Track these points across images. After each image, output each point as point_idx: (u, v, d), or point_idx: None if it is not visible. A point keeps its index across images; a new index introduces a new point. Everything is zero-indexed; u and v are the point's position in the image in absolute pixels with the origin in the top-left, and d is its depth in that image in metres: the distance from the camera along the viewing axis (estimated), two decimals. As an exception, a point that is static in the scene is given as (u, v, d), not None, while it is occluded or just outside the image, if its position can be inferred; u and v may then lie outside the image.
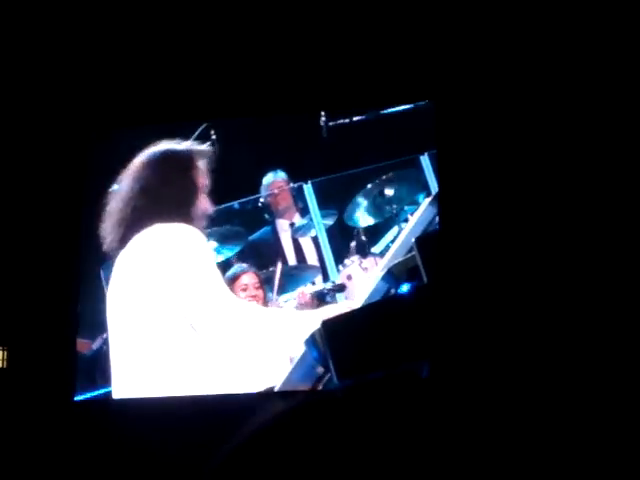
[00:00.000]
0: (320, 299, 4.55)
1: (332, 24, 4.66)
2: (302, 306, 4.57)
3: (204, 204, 4.26)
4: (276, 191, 4.71)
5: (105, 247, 4.37)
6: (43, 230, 5.03)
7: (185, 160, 4.27)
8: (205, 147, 4.40)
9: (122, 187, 4.34)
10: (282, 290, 4.54)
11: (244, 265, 4.56)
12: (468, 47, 4.50)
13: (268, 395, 4.19)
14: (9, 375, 5.06)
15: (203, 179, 4.27)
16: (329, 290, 4.57)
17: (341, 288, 4.56)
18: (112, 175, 4.46)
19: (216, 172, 4.46)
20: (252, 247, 4.66)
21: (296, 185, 4.67)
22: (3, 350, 5.12)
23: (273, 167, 4.69)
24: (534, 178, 4.33)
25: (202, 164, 4.28)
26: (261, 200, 4.68)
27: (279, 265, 4.58)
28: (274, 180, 4.72)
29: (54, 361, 4.90)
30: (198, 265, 4.20)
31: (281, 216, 4.76)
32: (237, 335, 4.19)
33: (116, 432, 4.56)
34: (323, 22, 4.67)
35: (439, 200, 4.39)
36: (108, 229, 4.35)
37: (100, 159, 4.75)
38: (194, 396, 4.22)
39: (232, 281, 4.44)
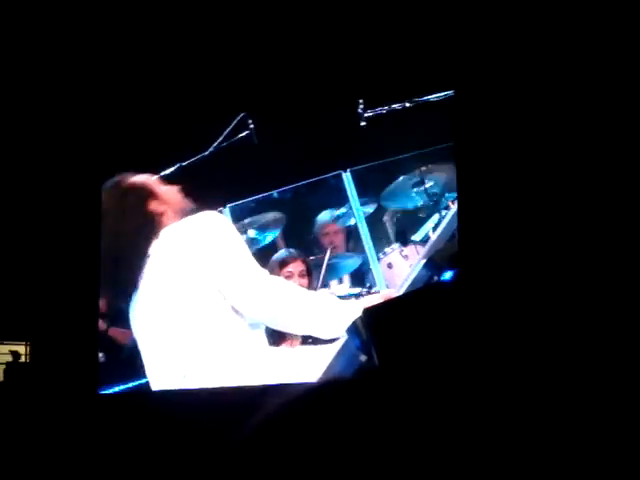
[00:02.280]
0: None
1: (368, 17, 4.67)
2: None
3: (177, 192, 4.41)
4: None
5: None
6: (64, 228, 5.07)
7: (140, 190, 4.38)
8: (160, 174, 4.51)
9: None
10: (325, 279, 4.52)
11: (293, 251, 4.52)
12: (492, 41, 4.48)
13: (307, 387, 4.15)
14: (32, 370, 5.10)
15: (168, 202, 4.35)
16: (363, 296, 4.54)
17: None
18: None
19: (254, 161, 4.46)
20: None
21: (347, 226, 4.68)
22: (26, 345, 5.16)
23: (312, 156, 4.66)
24: (558, 162, 4.30)
25: (163, 189, 4.40)
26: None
27: (328, 252, 4.55)
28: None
29: (77, 355, 4.93)
30: (227, 246, 4.27)
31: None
32: (274, 312, 4.22)
33: (139, 425, 4.58)
34: (361, 16, 4.67)
35: (458, 187, 4.37)
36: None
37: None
38: (227, 387, 4.27)
39: (279, 265, 4.40)
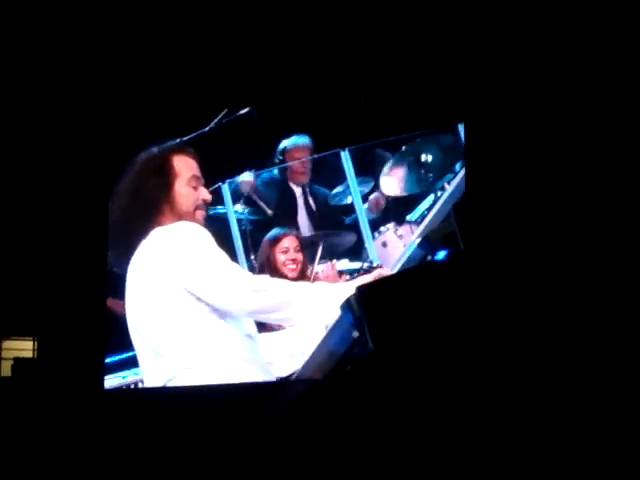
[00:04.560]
0: (353, 278, 4.57)
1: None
2: (327, 279, 4.59)
3: (193, 197, 4.19)
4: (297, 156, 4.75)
5: (113, 258, 4.38)
6: (71, 225, 5.13)
7: (155, 161, 4.24)
8: (181, 143, 4.41)
9: (113, 203, 4.39)
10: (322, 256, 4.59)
11: (285, 228, 4.58)
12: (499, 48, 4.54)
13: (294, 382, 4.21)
14: (39, 365, 5.16)
15: (185, 172, 4.21)
16: (365, 271, 4.58)
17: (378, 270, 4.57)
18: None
19: (257, 138, 4.50)
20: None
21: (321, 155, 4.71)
22: (33, 340, 5.21)
23: (311, 134, 4.73)
24: (565, 150, 4.35)
25: (181, 159, 4.23)
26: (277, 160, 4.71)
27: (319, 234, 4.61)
28: (298, 145, 4.76)
29: (83, 351, 4.99)
30: (200, 251, 4.08)
31: (294, 180, 4.78)
32: (268, 306, 4.11)
33: (145, 421, 4.62)
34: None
35: (466, 170, 4.42)
36: (112, 241, 4.40)
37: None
38: (220, 385, 4.15)
39: (273, 243, 4.46)
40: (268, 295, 4.04)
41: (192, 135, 4.68)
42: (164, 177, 4.15)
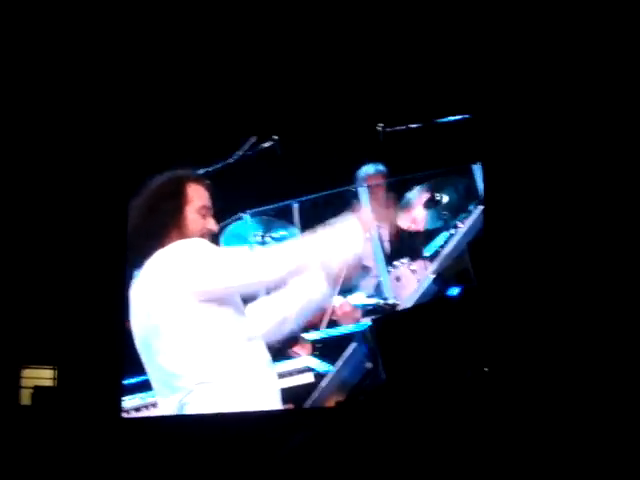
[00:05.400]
0: (368, 313, 4.65)
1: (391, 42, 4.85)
2: (342, 317, 4.65)
3: (200, 224, 4.32)
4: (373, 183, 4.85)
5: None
6: (89, 253, 5.19)
7: (171, 186, 4.35)
8: (197, 173, 4.51)
9: (130, 216, 4.52)
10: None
11: None
12: (513, 65, 4.64)
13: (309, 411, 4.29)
14: (59, 393, 5.22)
15: (196, 201, 4.34)
16: (381, 307, 4.66)
17: (392, 307, 4.65)
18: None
19: (279, 172, 4.61)
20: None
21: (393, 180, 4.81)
22: (53, 369, 5.29)
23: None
24: (578, 185, 4.44)
25: (194, 188, 4.36)
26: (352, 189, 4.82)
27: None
28: (373, 173, 4.89)
29: (102, 379, 5.05)
30: (210, 248, 4.24)
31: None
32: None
33: (164, 448, 4.68)
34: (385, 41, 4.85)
35: (484, 207, 4.51)
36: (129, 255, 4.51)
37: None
38: (238, 412, 4.19)
39: None
40: (289, 259, 4.20)
41: (218, 166, 4.81)
42: (176, 201, 4.28)
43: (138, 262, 4.22)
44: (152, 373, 4.26)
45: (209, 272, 4.13)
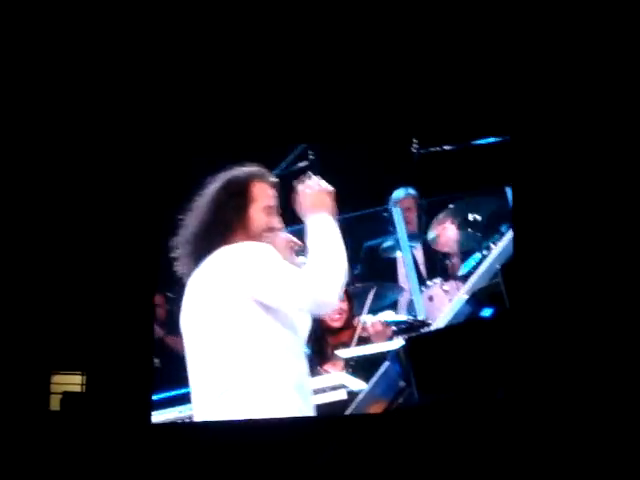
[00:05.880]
0: (399, 331, 4.69)
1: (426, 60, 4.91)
2: (375, 335, 4.69)
3: (265, 222, 4.27)
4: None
5: (178, 273, 4.48)
6: (119, 262, 5.24)
7: (236, 185, 4.35)
8: (262, 170, 4.43)
9: (189, 216, 4.51)
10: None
11: None
12: (549, 86, 4.70)
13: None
14: (88, 399, 5.26)
15: (261, 200, 4.31)
16: (411, 324, 4.71)
17: (423, 324, 4.69)
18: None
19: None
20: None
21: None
22: (82, 375, 5.33)
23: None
24: (608, 206, 4.50)
25: (260, 187, 4.35)
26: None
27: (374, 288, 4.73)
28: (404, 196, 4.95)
29: (131, 385, 5.09)
30: (272, 261, 4.12)
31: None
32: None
33: (193, 455, 4.71)
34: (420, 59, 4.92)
35: (514, 230, 4.57)
36: (180, 256, 4.49)
37: (180, 185, 4.90)
38: (268, 419, 4.13)
39: None
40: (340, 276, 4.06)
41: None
42: (241, 200, 4.31)
43: (198, 258, 4.20)
44: (192, 369, 4.22)
45: (280, 288, 4.08)
